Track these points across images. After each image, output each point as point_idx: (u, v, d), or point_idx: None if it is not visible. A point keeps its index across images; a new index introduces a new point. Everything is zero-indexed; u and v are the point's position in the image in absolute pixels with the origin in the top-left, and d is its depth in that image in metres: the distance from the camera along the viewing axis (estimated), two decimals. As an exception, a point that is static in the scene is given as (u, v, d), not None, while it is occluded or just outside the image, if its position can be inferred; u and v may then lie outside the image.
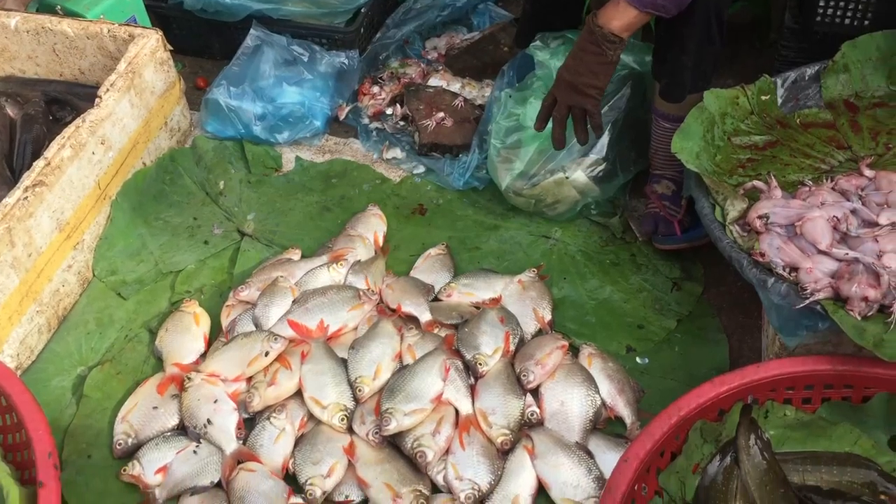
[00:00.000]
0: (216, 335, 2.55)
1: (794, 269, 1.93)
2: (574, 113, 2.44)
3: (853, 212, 2.00)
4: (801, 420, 1.96)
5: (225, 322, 2.55)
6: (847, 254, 1.91)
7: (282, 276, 2.59)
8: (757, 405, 1.95)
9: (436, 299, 2.60)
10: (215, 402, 2.30)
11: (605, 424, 2.27)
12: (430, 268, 2.69)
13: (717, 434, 1.94)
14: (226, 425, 2.26)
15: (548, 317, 2.52)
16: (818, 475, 1.88)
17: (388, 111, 3.27)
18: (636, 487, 1.82)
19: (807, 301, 1.85)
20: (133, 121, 2.85)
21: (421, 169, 3.06)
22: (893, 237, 1.92)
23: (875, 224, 1.96)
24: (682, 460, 1.92)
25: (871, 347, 1.78)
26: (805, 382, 1.93)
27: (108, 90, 2.74)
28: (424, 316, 2.50)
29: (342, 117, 3.26)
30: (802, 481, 1.87)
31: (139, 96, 2.87)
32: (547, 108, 2.49)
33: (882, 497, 1.81)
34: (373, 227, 2.81)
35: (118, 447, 2.28)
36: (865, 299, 1.80)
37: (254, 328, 2.48)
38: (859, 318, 1.80)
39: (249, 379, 2.38)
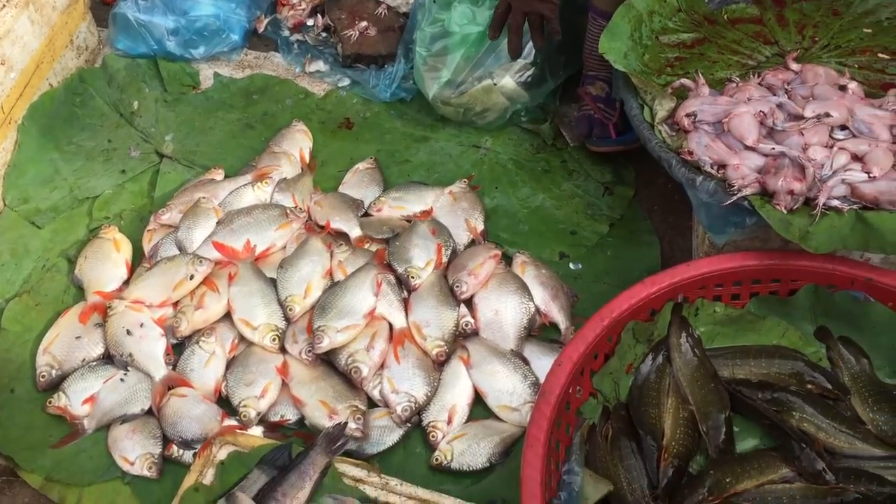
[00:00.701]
0: (139, 261, 2.47)
1: (722, 166, 1.92)
2: (531, 19, 2.37)
3: (779, 106, 1.98)
4: (730, 316, 1.97)
5: (147, 247, 2.47)
6: (773, 148, 1.90)
7: (204, 198, 2.51)
8: (687, 303, 1.96)
9: (366, 214, 2.55)
10: (141, 328, 2.23)
11: (539, 331, 2.27)
12: (358, 183, 2.63)
13: (649, 334, 1.95)
14: (153, 352, 2.20)
15: (480, 227, 2.49)
16: (747, 368, 1.90)
17: (309, 22, 3.14)
18: (570, 390, 1.83)
19: (734, 197, 1.84)
20: (35, 39, 2.69)
21: (346, 81, 2.97)
22: (818, 130, 1.92)
23: (801, 117, 1.95)
24: (616, 361, 1.93)
25: (798, 240, 1.79)
26: (733, 278, 1.94)
27: (3, 6, 2.57)
28: (354, 231, 2.45)
29: (261, 30, 3.12)
30: (732, 375, 1.90)
31: (39, 12, 2.70)
32: (500, 16, 2.42)
33: (808, 386, 1.85)
34: (298, 143, 2.72)
35: (42, 379, 2.21)
36: (791, 193, 1.80)
37: (177, 252, 2.40)
38: (785, 211, 1.80)
39: (176, 304, 2.32)
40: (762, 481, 1.73)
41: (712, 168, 1.93)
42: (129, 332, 2.23)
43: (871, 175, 1.81)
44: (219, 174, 2.65)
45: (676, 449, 1.79)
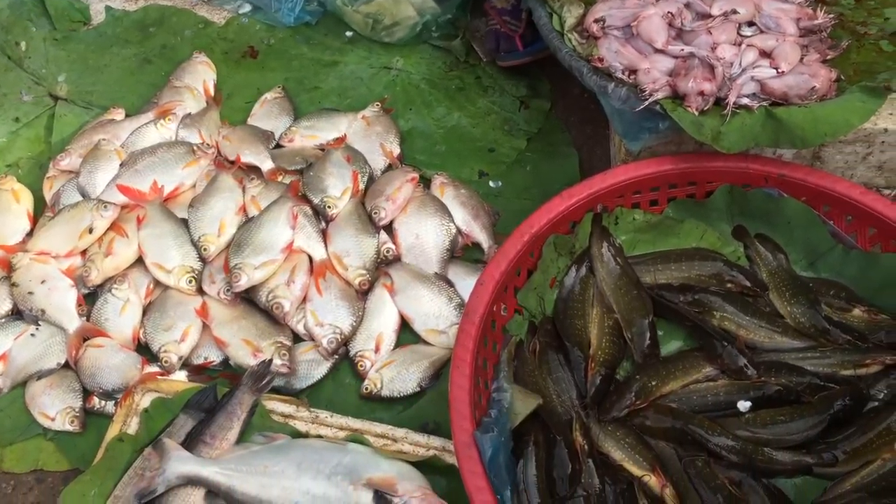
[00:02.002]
0: (41, 211, 2.36)
1: (633, 71, 1.89)
2: None
3: (687, 5, 1.95)
4: (649, 222, 1.97)
5: (48, 195, 2.36)
6: (682, 49, 1.87)
7: (104, 139, 2.39)
8: (607, 213, 1.96)
9: (277, 146, 2.47)
10: (49, 280, 2.14)
11: (462, 252, 2.25)
12: (267, 113, 2.54)
13: (571, 246, 1.94)
14: (64, 304, 2.12)
15: (396, 151, 2.43)
16: (668, 273, 1.91)
17: (203, -54, 2.98)
18: (495, 308, 1.81)
19: (646, 102, 1.82)
20: None
21: (246, 7, 2.84)
22: (726, 27, 1.90)
23: (708, 16, 1.92)
24: (539, 276, 1.92)
25: (710, 141, 1.78)
26: (651, 184, 1.94)
27: None
28: (266, 164, 2.37)
29: (151, -43, 2.95)
30: (654, 281, 1.91)
31: None
32: None
33: (728, 285, 1.87)
34: (200, 76, 2.61)
35: (-53, 340, 2.11)
36: (702, 93, 1.78)
37: (80, 198, 2.30)
38: (697, 113, 1.78)
39: (84, 252, 2.22)
40: (687, 381, 1.76)
41: (623, 74, 1.90)
42: (36, 286, 2.13)
43: (780, 70, 1.80)
44: (119, 114, 2.53)
45: (603, 357, 1.80)
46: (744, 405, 1.70)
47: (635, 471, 1.65)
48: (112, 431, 1.90)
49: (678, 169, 1.90)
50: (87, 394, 2.05)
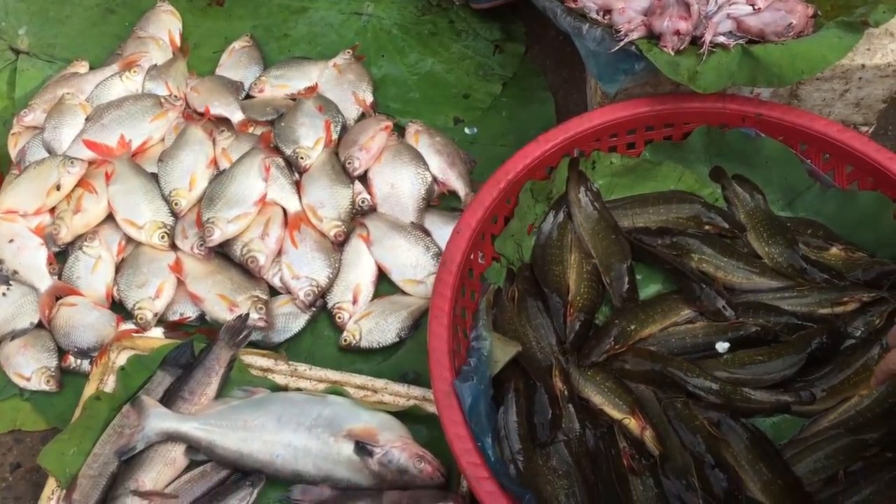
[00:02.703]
0: (6, 168, 2.30)
1: (608, 11, 1.85)
2: None
3: (662, -58, 1.90)
4: (626, 165, 1.95)
5: (13, 152, 2.30)
6: (658, -12, 1.83)
7: (69, 93, 2.33)
8: (583, 157, 1.93)
9: (247, 97, 2.42)
10: (17, 239, 2.10)
11: (438, 200, 2.22)
12: (236, 63, 2.48)
13: (548, 192, 1.92)
14: (34, 262, 2.08)
15: (369, 99, 2.39)
16: (646, 216, 1.90)
17: None
18: (472, 256, 1.79)
19: (621, 43, 1.78)
20: None
21: (210, -47, 2.75)
22: (702, -36, 1.86)
23: (684, -47, 1.88)
24: (516, 223, 1.90)
25: (686, 81, 1.75)
26: (627, 127, 1.91)
27: None
28: (236, 116, 2.32)
29: None
30: (632, 224, 1.90)
31: None
32: None
33: (706, 227, 1.86)
34: (166, 25, 2.53)
35: (-85, 304, 2.07)
36: (677, 33, 1.75)
37: (46, 154, 2.25)
38: (673, 53, 1.75)
39: (52, 210, 2.18)
40: (666, 325, 1.76)
41: (598, 14, 1.86)
42: (5, 245, 2.09)
43: (756, 7, 1.77)
44: (82, 67, 2.46)
45: (582, 303, 1.80)
46: (722, 346, 1.71)
47: (615, 414, 1.66)
48: (89, 390, 1.88)
49: (655, 111, 1.88)
50: (62, 353, 2.02)
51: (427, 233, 2.13)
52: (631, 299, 1.81)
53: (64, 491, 1.75)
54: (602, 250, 1.85)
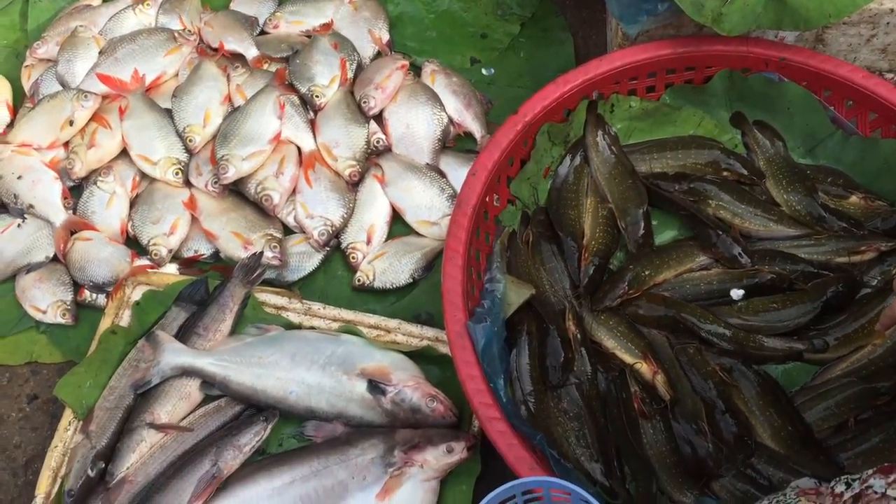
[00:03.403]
0: (20, 101, 2.29)
1: (632, -51, 1.81)
2: None
3: None
4: (645, 109, 1.93)
5: (27, 85, 2.29)
6: (684, -75, 1.78)
7: (82, 26, 2.30)
8: (602, 100, 1.91)
9: (262, 33, 2.38)
10: (32, 173, 2.09)
11: (454, 142, 2.20)
12: (251, -3, 2.44)
13: (565, 135, 1.90)
14: (49, 196, 2.08)
15: (385, 37, 2.35)
16: (664, 161, 1.89)
17: None
18: (487, 199, 1.79)
19: (645, -18, 1.75)
20: None
21: None
22: None
23: None
24: (532, 166, 1.88)
25: (710, 23, 1.72)
26: (648, 70, 1.88)
27: None
28: (251, 52, 2.29)
29: None
30: (650, 169, 1.88)
31: None
32: None
33: (724, 173, 1.85)
34: (177, -43, 2.49)
35: (-69, 236, 2.08)
36: (703, -28, 1.71)
37: (60, 88, 2.23)
38: (697, -6, 1.72)
39: (66, 144, 2.17)
40: (680, 271, 1.76)
41: (622, -48, 1.82)
42: (20, 178, 2.09)
43: (785, -53, 1.72)
44: (95, -1, 2.43)
45: (596, 247, 1.79)
46: (737, 293, 1.71)
47: (627, 358, 1.67)
48: (104, 324, 1.90)
49: (676, 53, 1.85)
50: (77, 287, 2.03)
51: (442, 174, 2.11)
52: (646, 245, 1.80)
53: (80, 422, 1.78)
54: (618, 195, 1.83)
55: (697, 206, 1.80)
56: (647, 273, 1.74)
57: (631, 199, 1.82)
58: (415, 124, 2.15)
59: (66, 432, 1.78)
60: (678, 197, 1.82)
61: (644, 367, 1.64)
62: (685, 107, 1.93)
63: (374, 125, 2.17)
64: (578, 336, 1.69)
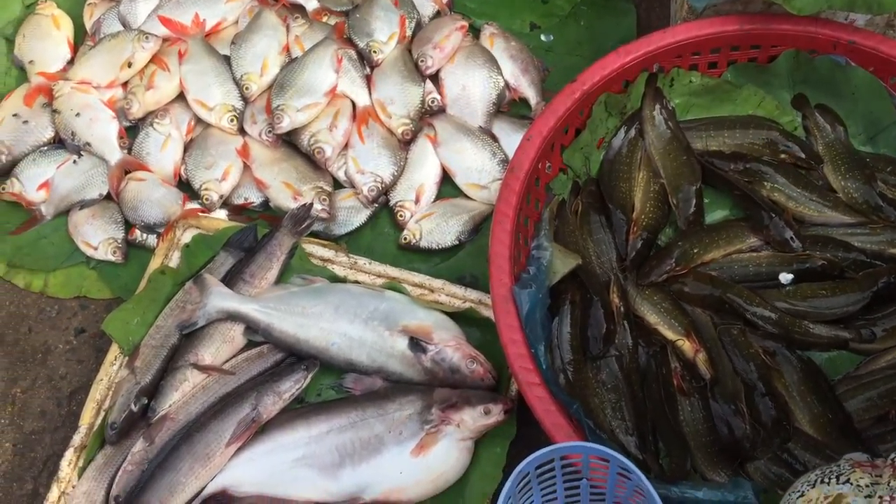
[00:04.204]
0: (81, 39, 2.31)
1: (705, -80, 1.77)
2: None
3: None
4: (706, 86, 1.90)
5: (89, 23, 2.31)
6: None
7: (145, -33, 2.31)
8: (662, 73, 1.88)
9: (323, -15, 2.37)
10: (90, 111, 2.12)
11: (508, 107, 2.19)
12: (312, -50, 2.43)
13: (622, 106, 1.88)
14: (106, 135, 2.11)
15: (445, -4, 2.34)
16: (721, 140, 1.86)
17: None
18: (540, 165, 1.78)
19: (717, -45, 1.72)
20: None
21: None
22: None
23: None
24: (587, 135, 1.87)
25: (781, 1, 1.69)
26: (712, 45, 1.85)
27: None
28: (311, 3, 2.29)
29: None
30: (705, 147, 1.86)
31: None
32: None
33: (782, 156, 1.82)
34: None
35: (-8, 165, 2.13)
36: (778, -52, 1.67)
37: (121, 28, 2.25)
38: (771, -30, 1.69)
39: (125, 84, 2.19)
40: (730, 251, 1.74)
41: (694, -78, 1.78)
42: (78, 115, 2.12)
43: (865, -73, 1.68)
44: (159, -59, 2.43)
45: (646, 222, 1.78)
46: (786, 277, 1.69)
47: (669, 335, 1.66)
48: (154, 264, 1.93)
49: (743, 30, 1.81)
50: (128, 226, 2.07)
51: (494, 138, 2.11)
52: (696, 222, 1.79)
53: (126, 358, 1.82)
54: (672, 170, 1.82)
55: (752, 186, 1.78)
56: (695, 251, 1.73)
57: (684, 175, 1.81)
58: (471, 86, 2.14)
59: (112, 367, 1.82)
60: (733, 176, 1.80)
61: (686, 345, 1.64)
62: (747, 85, 1.90)
63: (429, 85, 2.16)
64: (622, 309, 1.69)
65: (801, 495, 1.20)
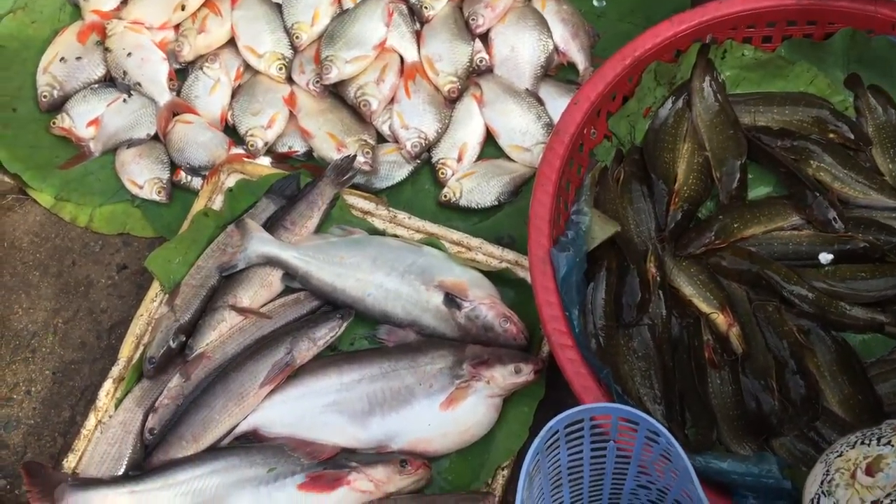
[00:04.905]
0: (135, -20, 2.33)
1: None
2: None
3: None
4: (758, 60, 1.88)
5: (144, -36, 2.32)
6: None
7: (202, -90, 2.32)
8: (715, 44, 1.86)
9: (377, -63, 2.36)
10: (142, 51, 2.15)
11: (556, 71, 2.18)
12: None
13: (672, 76, 1.87)
14: (156, 76, 2.14)
15: (498, -44, 2.32)
16: (769, 115, 1.85)
17: None
18: (585, 131, 1.78)
19: (780, -73, 1.69)
20: None
21: None
22: None
23: None
24: (634, 103, 1.86)
25: (843, -22, 1.66)
26: (768, 19, 1.83)
27: None
28: (364, -45, 2.28)
29: None
30: (753, 122, 1.85)
31: None
32: None
33: (830, 135, 1.80)
34: None
35: (43, 100, 2.16)
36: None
37: (176, -30, 2.26)
38: (834, -56, 1.66)
39: (177, 27, 2.21)
40: (770, 228, 1.74)
41: None
42: (130, 55, 2.15)
43: None
44: None
45: (687, 193, 1.78)
46: (825, 258, 1.68)
47: (704, 307, 1.67)
48: (197, 205, 1.96)
49: (801, 5, 1.79)
50: (174, 167, 2.10)
51: (540, 101, 2.11)
52: (738, 197, 1.78)
53: (166, 295, 1.86)
54: (717, 144, 1.81)
55: (798, 164, 1.76)
56: (735, 225, 1.73)
57: (730, 149, 1.80)
58: (520, 48, 2.13)
59: (152, 303, 1.87)
60: (779, 153, 1.78)
61: (720, 319, 1.64)
62: (800, 62, 1.87)
63: (478, 44, 2.16)
64: (658, 279, 1.69)
65: (840, 455, 1.21)
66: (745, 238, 1.73)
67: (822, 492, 1.21)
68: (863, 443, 1.20)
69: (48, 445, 1.89)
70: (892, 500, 1.12)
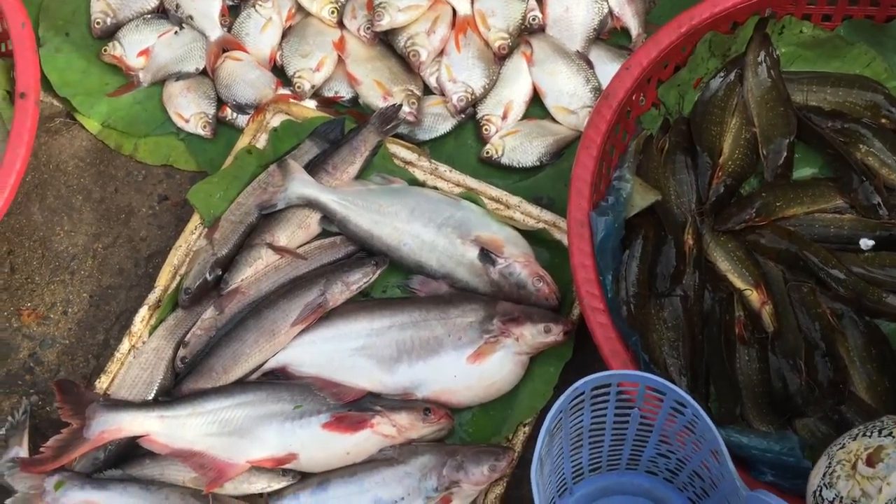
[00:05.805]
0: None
1: None
2: None
3: None
4: (816, 38, 1.85)
5: None
6: None
7: None
8: (774, 19, 1.84)
9: None
10: (196, -16, 2.15)
11: (608, 35, 2.16)
12: None
13: (726, 48, 1.85)
14: (208, 10, 2.13)
15: (559, -87, 2.28)
16: (822, 96, 1.82)
17: None
18: (634, 97, 1.77)
19: None
20: None
21: None
22: None
23: None
24: (685, 73, 1.84)
25: (913, -40, 1.62)
26: (829, -4, 1.80)
27: None
28: None
29: None
30: (805, 101, 1.83)
31: None
32: None
33: (882, 121, 1.78)
34: None
35: (96, 26, 2.17)
36: None
37: None
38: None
39: (232, -37, 2.21)
40: (813, 209, 1.73)
41: None
42: (183, -12, 2.15)
43: None
44: None
45: (732, 168, 1.77)
46: (866, 243, 1.67)
47: (738, 283, 1.67)
48: (241, 143, 1.98)
49: (867, -16, 1.76)
50: (220, 103, 2.11)
51: (590, 65, 2.09)
52: (783, 176, 1.77)
53: (206, 229, 1.89)
54: (766, 121, 1.79)
55: (846, 147, 1.74)
56: (778, 204, 1.72)
57: (778, 127, 1.78)
58: (574, 9, 2.11)
59: (192, 235, 1.89)
60: (828, 134, 1.76)
61: (754, 296, 1.64)
62: (859, 44, 1.84)
63: (532, 2, 2.14)
64: (694, 251, 1.69)
65: (842, 447, 1.23)
66: (787, 217, 1.72)
67: (824, 484, 1.23)
68: (864, 434, 1.21)
69: (81, 366, 1.94)
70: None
